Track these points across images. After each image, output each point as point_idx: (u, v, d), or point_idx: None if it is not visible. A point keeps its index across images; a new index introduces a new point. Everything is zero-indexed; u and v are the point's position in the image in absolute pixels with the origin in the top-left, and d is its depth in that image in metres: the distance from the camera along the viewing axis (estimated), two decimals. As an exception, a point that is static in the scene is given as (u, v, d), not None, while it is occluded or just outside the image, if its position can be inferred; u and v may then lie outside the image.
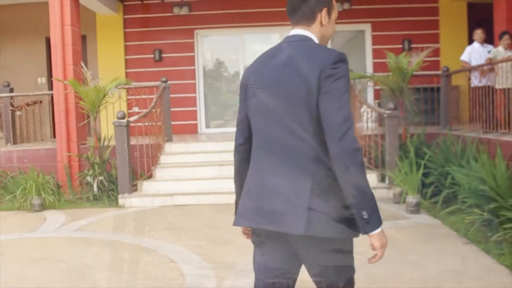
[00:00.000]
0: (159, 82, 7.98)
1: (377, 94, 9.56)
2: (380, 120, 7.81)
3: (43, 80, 10.37)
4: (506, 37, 6.98)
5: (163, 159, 7.45)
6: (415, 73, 7.41)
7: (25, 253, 4.48)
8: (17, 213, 6.36)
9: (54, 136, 8.02)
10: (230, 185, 7.52)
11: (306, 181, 1.64)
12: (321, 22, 1.77)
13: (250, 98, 1.80)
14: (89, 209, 6.44)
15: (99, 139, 7.16)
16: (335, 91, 1.60)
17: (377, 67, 9.49)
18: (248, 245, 4.71)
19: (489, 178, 4.63)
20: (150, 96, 7.75)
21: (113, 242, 4.76)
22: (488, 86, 6.87)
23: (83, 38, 9.41)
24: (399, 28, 9.77)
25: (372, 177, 6.54)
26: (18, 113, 8.44)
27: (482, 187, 4.63)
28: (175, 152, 7.64)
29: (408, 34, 9.80)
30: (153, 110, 7.34)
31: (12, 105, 8.16)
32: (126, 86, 7.90)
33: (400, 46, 9.69)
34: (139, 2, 9.88)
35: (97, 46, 9.98)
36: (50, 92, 8.34)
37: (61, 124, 7.41)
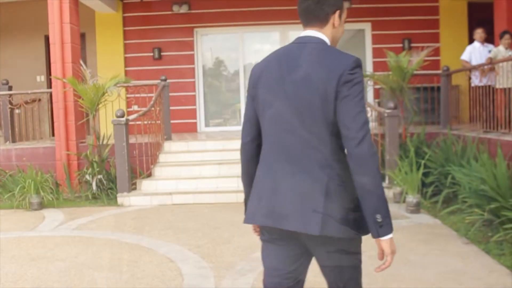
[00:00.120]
0: (159, 81, 7.95)
1: (377, 93, 9.54)
2: (380, 119, 7.79)
3: (42, 78, 10.35)
4: (506, 36, 6.96)
5: (162, 157, 7.43)
6: (415, 72, 7.40)
7: (23, 252, 4.46)
8: (16, 211, 6.34)
9: (53, 135, 8.00)
10: (230, 184, 7.55)
11: (320, 183, 1.67)
12: (333, 24, 1.78)
13: (261, 98, 1.79)
14: (87, 208, 6.42)
15: (98, 138, 7.14)
16: (353, 96, 1.63)
17: (377, 66, 9.48)
18: (247, 245, 4.71)
19: (489, 178, 4.62)
20: (149, 95, 7.73)
21: (112, 241, 4.73)
22: (489, 86, 6.85)
23: (82, 36, 9.38)
24: (399, 27, 9.75)
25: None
26: (17, 111, 8.41)
27: (482, 187, 4.61)
28: (174, 151, 7.62)
29: (408, 33, 9.78)
30: (153, 108, 7.32)
31: (10, 103, 8.14)
32: (125, 85, 7.88)
33: (400, 45, 9.67)
34: (139, 0, 9.85)
35: (96, 44, 9.95)
36: (49, 90, 8.32)
37: (60, 123, 7.39)
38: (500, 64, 6.56)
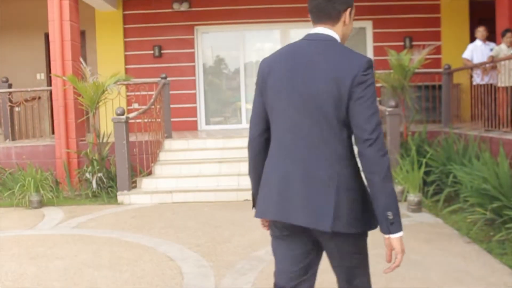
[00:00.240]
0: (159, 79, 7.93)
1: (378, 92, 9.49)
2: (381, 117, 7.75)
3: (42, 76, 10.33)
4: (508, 34, 6.93)
5: (162, 156, 7.41)
6: (416, 70, 7.37)
7: (23, 250, 4.44)
8: (15, 209, 6.32)
9: (53, 133, 7.98)
10: (230, 183, 7.52)
11: (331, 179, 1.70)
12: (344, 22, 1.80)
13: (270, 93, 1.80)
14: (87, 206, 6.41)
15: (98, 136, 7.11)
16: (367, 98, 1.67)
17: (378, 64, 9.41)
18: (247, 243, 4.68)
19: (491, 177, 4.59)
20: (149, 93, 7.71)
21: (112, 240, 4.72)
22: (490, 84, 6.82)
23: (82, 34, 9.36)
24: (401, 25, 9.72)
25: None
26: (16, 109, 8.40)
27: (484, 186, 4.59)
28: (174, 149, 7.59)
29: (409, 32, 9.74)
30: (153, 106, 7.29)
31: (10, 101, 8.12)
32: (126, 82, 7.86)
33: (402, 43, 9.64)
34: (139, -2, 9.83)
35: (96, 42, 9.92)
36: (48, 88, 8.30)
37: (60, 120, 7.37)
38: (502, 63, 6.53)
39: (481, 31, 7.53)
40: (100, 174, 6.83)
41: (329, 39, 1.76)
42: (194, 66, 10.04)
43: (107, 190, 6.81)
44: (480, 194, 4.65)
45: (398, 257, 1.70)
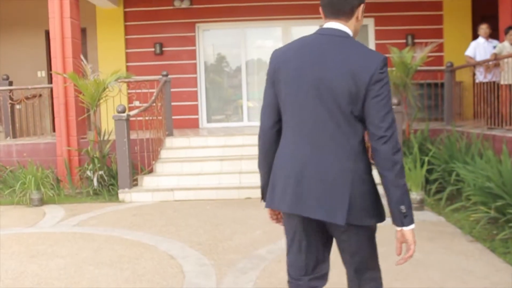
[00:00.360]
0: (160, 76, 7.90)
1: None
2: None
3: (43, 73, 10.30)
4: (511, 32, 6.89)
5: (163, 153, 7.39)
6: (418, 68, 7.34)
7: (24, 248, 4.42)
8: (16, 207, 6.30)
9: (54, 130, 7.96)
10: (231, 181, 7.49)
11: (345, 173, 1.74)
12: (357, 17, 1.80)
13: (283, 85, 1.80)
14: (88, 204, 6.39)
15: (99, 133, 7.09)
16: (383, 96, 1.71)
17: (380, 62, 9.40)
18: (249, 242, 4.66)
19: (495, 175, 4.56)
20: (151, 90, 7.68)
21: (113, 238, 4.70)
22: (493, 82, 6.80)
23: (83, 31, 9.33)
24: (403, 22, 9.68)
25: (375, 173, 6.46)
26: (17, 106, 8.38)
27: (488, 184, 4.56)
28: (176, 146, 7.57)
29: (411, 29, 9.70)
30: (154, 104, 7.27)
31: (11, 98, 8.11)
32: (126, 80, 7.84)
33: (404, 41, 9.60)
34: (140, -5, 9.80)
35: (97, 39, 9.89)
36: (49, 85, 8.29)
37: (61, 118, 7.35)
38: (505, 60, 6.50)
39: (483, 28, 7.49)
40: (101, 172, 6.82)
41: (343, 34, 1.77)
42: (195, 64, 10.01)
43: (108, 188, 6.80)
44: (483, 192, 4.63)
45: (412, 247, 1.76)
